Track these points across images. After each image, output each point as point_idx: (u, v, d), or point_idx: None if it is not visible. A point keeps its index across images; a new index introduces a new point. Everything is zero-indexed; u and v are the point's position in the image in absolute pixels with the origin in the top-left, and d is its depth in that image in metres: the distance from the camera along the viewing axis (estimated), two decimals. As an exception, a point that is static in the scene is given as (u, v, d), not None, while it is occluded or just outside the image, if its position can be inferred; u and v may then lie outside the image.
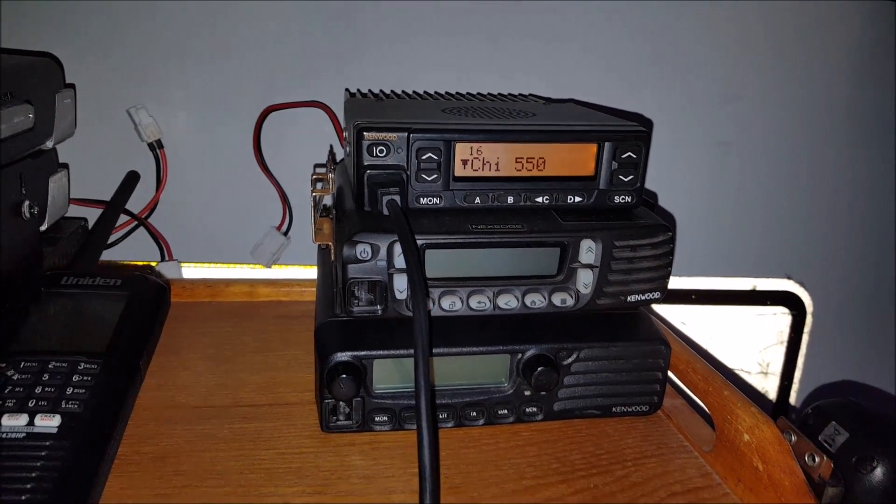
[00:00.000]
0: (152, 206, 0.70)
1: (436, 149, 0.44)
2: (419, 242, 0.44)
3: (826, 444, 0.43)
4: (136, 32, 0.66)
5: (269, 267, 0.71)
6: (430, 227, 0.45)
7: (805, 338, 0.84)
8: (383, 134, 0.44)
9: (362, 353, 0.45)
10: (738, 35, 0.74)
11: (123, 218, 0.69)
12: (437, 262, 0.45)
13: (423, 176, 0.45)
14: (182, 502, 0.40)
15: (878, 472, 0.41)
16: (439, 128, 0.45)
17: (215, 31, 0.67)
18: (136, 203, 0.69)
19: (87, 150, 0.67)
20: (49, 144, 0.52)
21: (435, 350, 0.46)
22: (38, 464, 0.37)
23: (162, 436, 0.46)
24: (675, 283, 0.80)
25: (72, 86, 0.56)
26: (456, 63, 0.70)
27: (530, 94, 0.66)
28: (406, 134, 0.44)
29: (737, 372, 0.84)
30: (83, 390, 0.42)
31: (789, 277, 0.83)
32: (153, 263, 0.70)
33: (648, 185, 0.75)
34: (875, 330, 0.88)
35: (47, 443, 0.38)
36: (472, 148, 0.45)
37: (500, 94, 0.64)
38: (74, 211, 0.66)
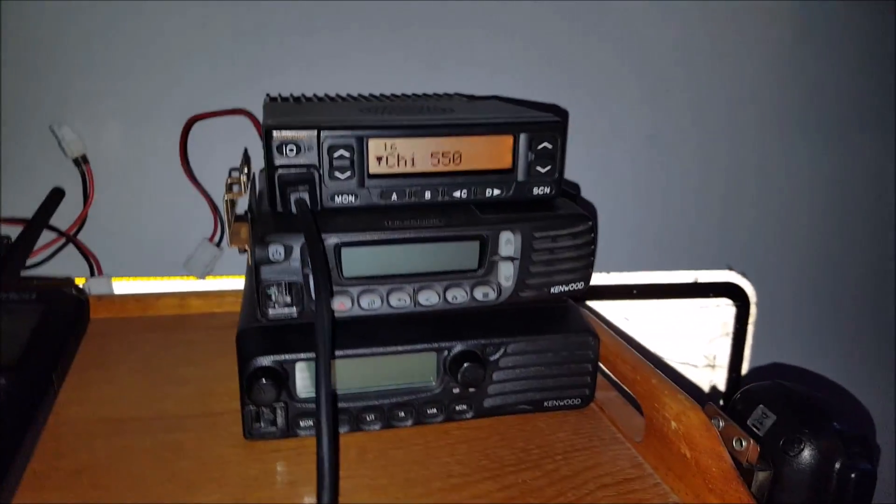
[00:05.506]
0: (80, 223, 0.68)
1: (348, 146, 0.44)
2: (334, 241, 0.43)
3: (754, 428, 0.43)
4: (53, 45, 0.64)
5: (203, 279, 0.70)
6: (345, 225, 0.44)
7: (750, 328, 0.85)
8: (293, 132, 0.43)
9: (283, 356, 0.44)
10: (664, 28, 0.75)
11: (52, 236, 0.67)
12: (355, 261, 0.44)
13: (336, 174, 0.44)
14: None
15: (806, 453, 0.41)
16: (351, 124, 0.44)
17: (135, 42, 0.66)
18: (65, 220, 0.67)
19: (9, 168, 0.66)
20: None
21: (358, 350, 0.45)
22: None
23: (80, 450, 0.45)
24: (615, 278, 0.80)
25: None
26: (380, 65, 0.69)
27: (455, 93, 0.66)
28: (315, 131, 0.43)
29: (683, 366, 0.85)
30: (-11, 407, 0.40)
31: (730, 268, 0.83)
32: (81, 280, 0.68)
33: (583, 180, 0.76)
34: (820, 318, 0.90)
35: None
36: (385, 144, 0.45)
37: (424, 93, 0.64)
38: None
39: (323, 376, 0.33)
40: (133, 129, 0.68)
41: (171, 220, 0.70)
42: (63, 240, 0.68)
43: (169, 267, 0.70)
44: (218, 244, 0.70)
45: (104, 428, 0.47)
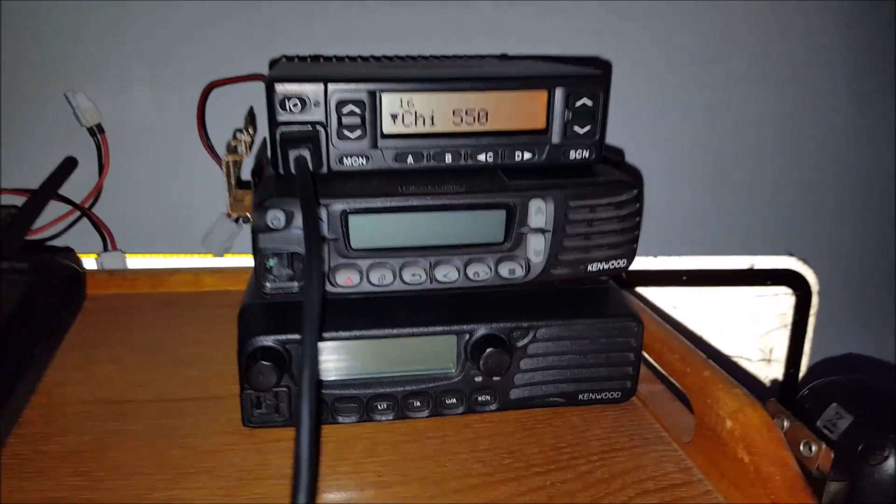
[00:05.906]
0: (95, 195, 0.65)
1: (358, 101, 0.39)
2: (341, 208, 0.39)
3: (826, 431, 0.37)
4: (69, 10, 0.61)
5: (221, 256, 0.66)
6: (354, 190, 0.39)
7: (811, 320, 0.78)
8: (297, 85, 0.38)
9: (286, 336, 0.40)
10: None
11: (66, 208, 0.64)
12: (365, 231, 0.40)
13: (346, 133, 0.39)
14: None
15: (891, 462, 0.35)
16: (362, 77, 0.39)
17: (153, 8, 0.62)
18: (80, 193, 0.64)
19: (23, 137, 0.63)
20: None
21: (368, 332, 0.41)
22: None
23: (70, 433, 0.42)
24: (663, 263, 0.74)
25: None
26: (410, 29, 0.64)
27: (487, 56, 0.60)
28: (322, 85, 0.38)
29: (736, 359, 0.78)
30: (-39, 384, 0.37)
31: (791, 254, 0.76)
32: (94, 256, 0.65)
33: (628, 151, 0.70)
34: (888, 310, 0.82)
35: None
36: (401, 100, 0.40)
37: (453, 55, 0.59)
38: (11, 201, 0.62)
39: (307, 357, 0.28)
40: (150, 96, 0.65)
41: (189, 194, 0.66)
42: (77, 213, 0.65)
43: (186, 243, 0.67)
44: (237, 220, 0.66)
45: (99, 410, 0.44)
